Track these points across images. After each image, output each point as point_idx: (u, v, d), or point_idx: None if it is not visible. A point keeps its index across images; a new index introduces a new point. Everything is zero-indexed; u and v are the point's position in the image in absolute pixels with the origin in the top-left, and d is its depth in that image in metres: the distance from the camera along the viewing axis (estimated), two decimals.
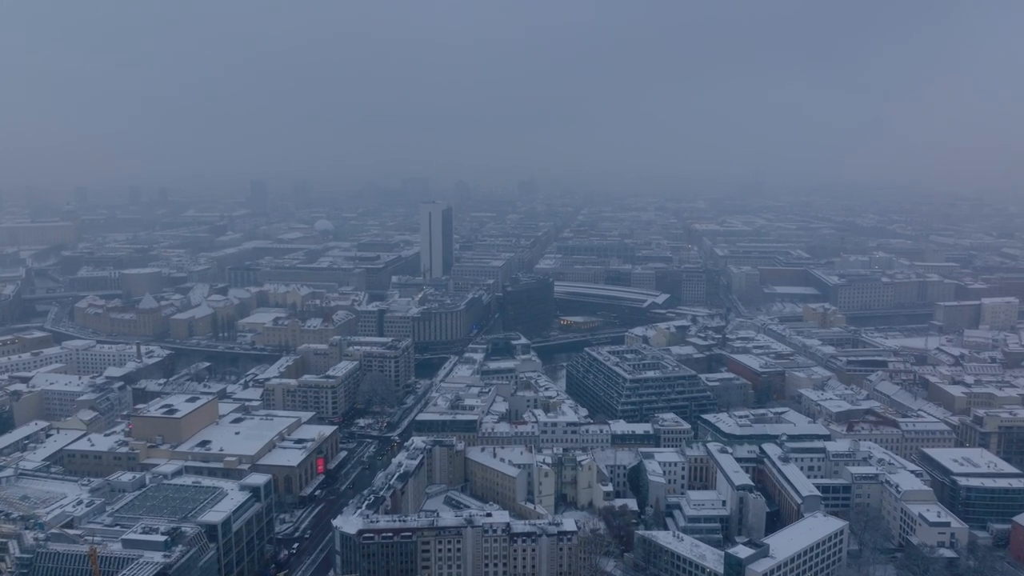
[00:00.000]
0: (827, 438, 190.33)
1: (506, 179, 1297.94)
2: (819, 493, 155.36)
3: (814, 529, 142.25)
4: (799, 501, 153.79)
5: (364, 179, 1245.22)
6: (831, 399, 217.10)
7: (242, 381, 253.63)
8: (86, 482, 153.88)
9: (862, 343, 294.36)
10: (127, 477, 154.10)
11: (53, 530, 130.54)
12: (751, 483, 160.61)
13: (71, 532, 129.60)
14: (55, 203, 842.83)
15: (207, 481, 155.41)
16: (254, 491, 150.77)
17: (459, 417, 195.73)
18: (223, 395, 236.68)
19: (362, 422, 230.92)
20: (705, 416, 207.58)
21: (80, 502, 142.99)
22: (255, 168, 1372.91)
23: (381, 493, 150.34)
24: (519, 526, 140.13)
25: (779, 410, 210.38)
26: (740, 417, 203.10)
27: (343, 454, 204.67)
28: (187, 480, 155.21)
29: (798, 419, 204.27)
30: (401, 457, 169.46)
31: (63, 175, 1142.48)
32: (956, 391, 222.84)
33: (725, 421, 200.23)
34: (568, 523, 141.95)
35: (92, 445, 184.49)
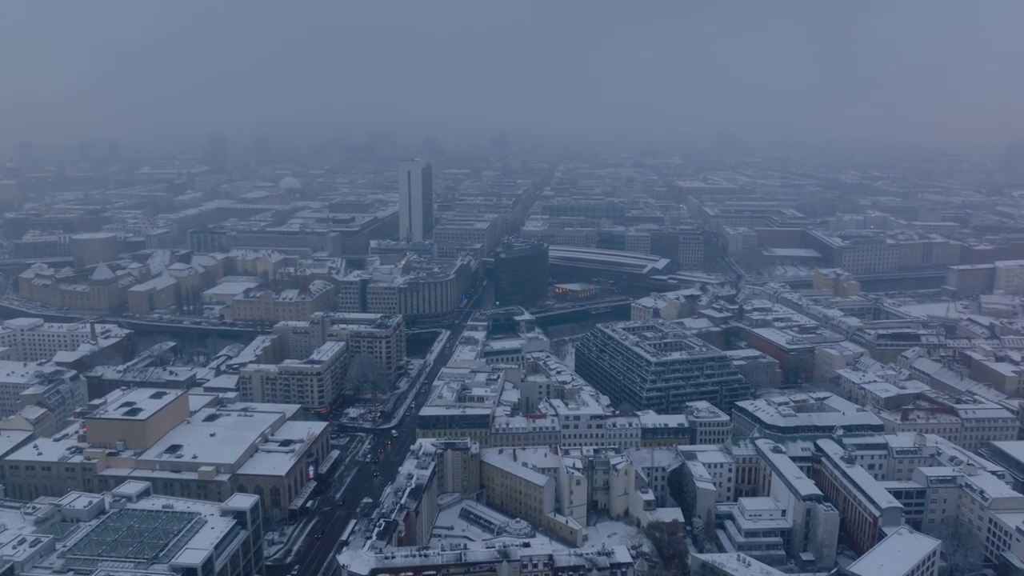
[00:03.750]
0: (880, 429, 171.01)
1: (476, 133, 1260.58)
2: (899, 504, 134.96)
3: (904, 551, 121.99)
4: (876, 514, 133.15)
5: (328, 133, 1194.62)
6: (875, 381, 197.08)
7: (213, 365, 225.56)
8: (30, 510, 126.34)
9: (884, 313, 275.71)
10: (82, 502, 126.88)
11: None
12: (819, 492, 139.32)
13: None
14: None
15: (180, 504, 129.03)
16: (239, 516, 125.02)
17: (468, 411, 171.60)
18: (192, 383, 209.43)
19: (353, 412, 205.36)
20: (740, 404, 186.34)
21: (22, 540, 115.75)
22: (212, 120, 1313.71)
23: (393, 516, 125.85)
24: (564, 558, 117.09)
25: (821, 395, 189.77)
26: (780, 405, 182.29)
27: (335, 453, 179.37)
28: (156, 504, 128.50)
29: (843, 405, 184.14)
30: (410, 466, 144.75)
31: (5, 129, 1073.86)
32: (1005, 370, 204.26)
33: (765, 410, 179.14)
34: (620, 551, 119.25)
35: (39, 453, 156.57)
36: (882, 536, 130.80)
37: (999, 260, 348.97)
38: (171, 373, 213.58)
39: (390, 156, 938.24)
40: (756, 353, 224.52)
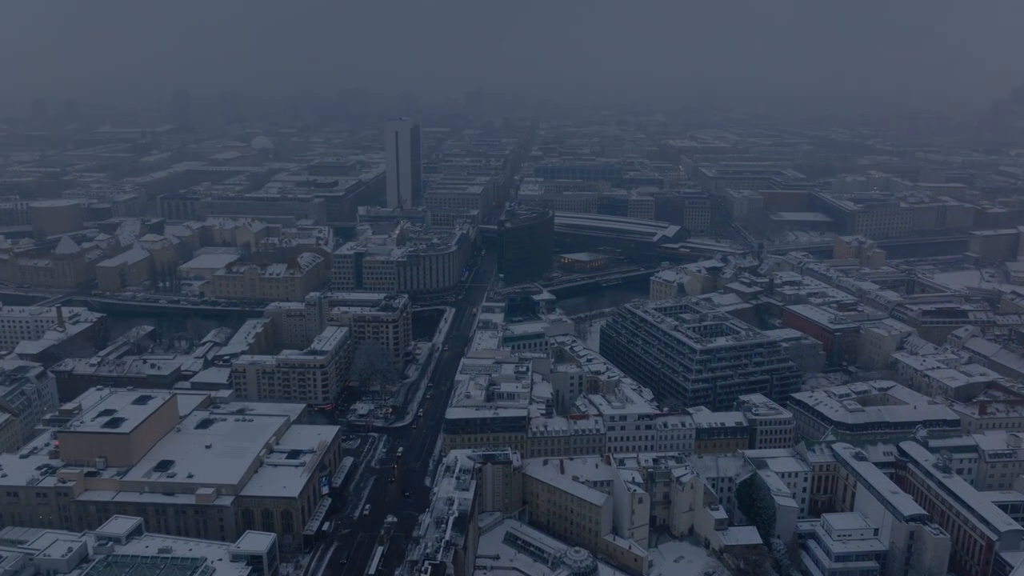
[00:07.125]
0: (956, 425, 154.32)
1: (451, 89, 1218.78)
2: (1020, 526, 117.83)
3: None
4: (992, 537, 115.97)
5: (296, 88, 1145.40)
6: (938, 367, 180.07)
7: (199, 353, 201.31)
8: None
9: (919, 285, 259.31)
10: (60, 548, 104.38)
11: None
12: (924, 512, 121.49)
13: None
14: None
15: (180, 546, 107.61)
16: (254, 562, 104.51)
17: (501, 413, 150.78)
18: (178, 376, 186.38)
19: (361, 408, 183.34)
20: (797, 396, 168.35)
21: None
22: (172, 73, 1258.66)
23: (439, 557, 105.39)
24: None
25: (884, 384, 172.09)
26: (842, 397, 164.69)
27: (348, 461, 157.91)
28: (151, 546, 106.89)
29: (910, 397, 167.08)
30: (448, 487, 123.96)
31: None
32: None
33: (827, 404, 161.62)
34: None
35: (4, 475, 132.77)
36: (999, 564, 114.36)
37: (1017, 224, 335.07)
38: (152, 366, 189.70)
39: (364, 114, 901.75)
40: (798, 334, 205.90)
